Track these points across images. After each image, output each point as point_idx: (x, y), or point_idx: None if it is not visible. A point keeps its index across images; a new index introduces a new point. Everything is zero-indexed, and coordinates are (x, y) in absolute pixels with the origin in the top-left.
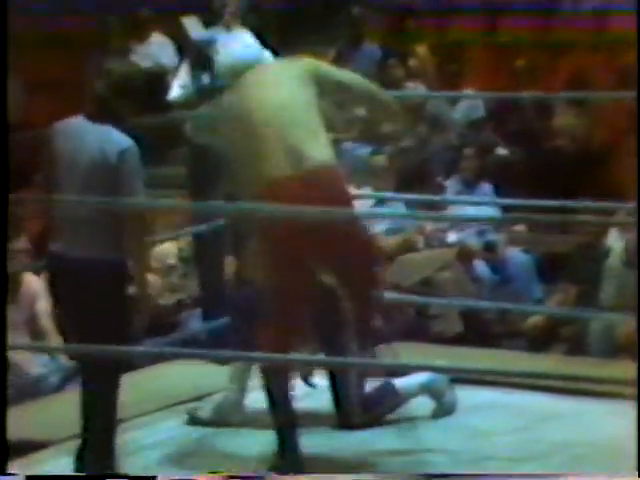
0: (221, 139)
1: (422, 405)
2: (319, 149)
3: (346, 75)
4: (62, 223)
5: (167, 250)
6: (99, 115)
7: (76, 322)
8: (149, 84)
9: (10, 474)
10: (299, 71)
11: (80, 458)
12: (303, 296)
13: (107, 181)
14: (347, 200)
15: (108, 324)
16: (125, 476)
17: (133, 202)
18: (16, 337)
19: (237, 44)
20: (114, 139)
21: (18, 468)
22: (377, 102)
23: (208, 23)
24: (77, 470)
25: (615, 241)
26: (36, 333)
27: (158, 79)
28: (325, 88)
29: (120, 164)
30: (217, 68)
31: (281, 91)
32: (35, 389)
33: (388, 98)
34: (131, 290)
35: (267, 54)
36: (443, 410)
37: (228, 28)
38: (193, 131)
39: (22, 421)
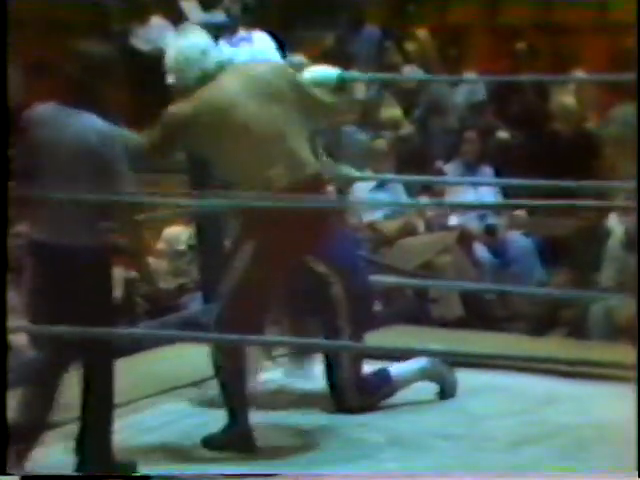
0: (210, 141)
1: (423, 390)
2: (309, 158)
3: (314, 90)
4: (45, 211)
5: (178, 235)
6: (74, 100)
7: (61, 309)
8: (148, 66)
9: (7, 474)
10: (283, 80)
11: (79, 442)
12: (280, 281)
13: (91, 167)
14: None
15: (94, 311)
16: (125, 476)
17: (127, 198)
18: (17, 320)
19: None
20: (95, 125)
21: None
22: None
23: (207, 6)
24: (77, 454)
25: (615, 224)
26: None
27: (158, 62)
28: (297, 99)
29: (103, 149)
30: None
31: (273, 100)
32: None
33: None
34: (131, 273)
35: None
36: (446, 393)
37: (228, 13)
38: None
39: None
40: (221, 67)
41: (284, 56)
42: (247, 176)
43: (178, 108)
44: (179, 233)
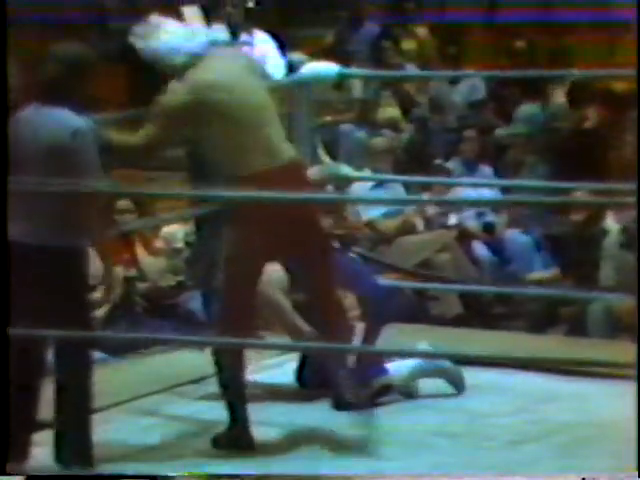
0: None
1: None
2: (287, 144)
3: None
4: (18, 212)
5: (175, 233)
6: (51, 99)
7: (34, 310)
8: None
9: (9, 474)
10: (256, 68)
11: (58, 446)
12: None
13: (63, 162)
14: (311, 190)
15: (69, 310)
16: (126, 475)
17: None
18: None
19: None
20: (67, 120)
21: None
22: None
23: (208, 13)
24: (57, 459)
25: (612, 223)
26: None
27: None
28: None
29: (74, 144)
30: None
31: (254, 86)
32: None
33: None
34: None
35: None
36: (455, 386)
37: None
38: None
39: None
40: (202, 53)
41: (284, 55)
42: (234, 159)
43: (170, 96)
44: (176, 231)
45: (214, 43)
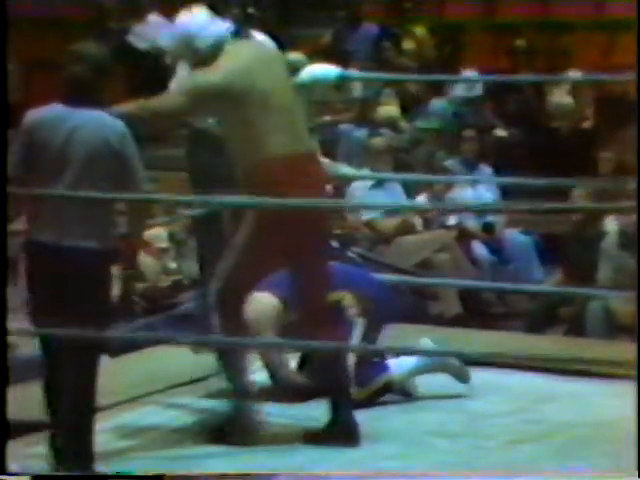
0: (224, 112)
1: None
2: (308, 134)
3: None
4: (49, 212)
5: (158, 234)
6: (78, 100)
7: (58, 310)
8: (146, 63)
9: (14, 474)
10: (280, 56)
11: (54, 446)
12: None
13: (110, 166)
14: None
15: (92, 313)
16: (129, 475)
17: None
18: (16, 319)
19: None
20: (111, 124)
21: (16, 448)
22: None
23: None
24: (55, 458)
25: (610, 224)
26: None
27: (154, 60)
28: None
29: (122, 148)
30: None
31: (280, 73)
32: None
33: None
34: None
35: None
36: (460, 379)
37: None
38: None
39: (21, 402)
40: (228, 39)
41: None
42: (259, 143)
43: (207, 77)
44: (159, 232)
45: (234, 33)
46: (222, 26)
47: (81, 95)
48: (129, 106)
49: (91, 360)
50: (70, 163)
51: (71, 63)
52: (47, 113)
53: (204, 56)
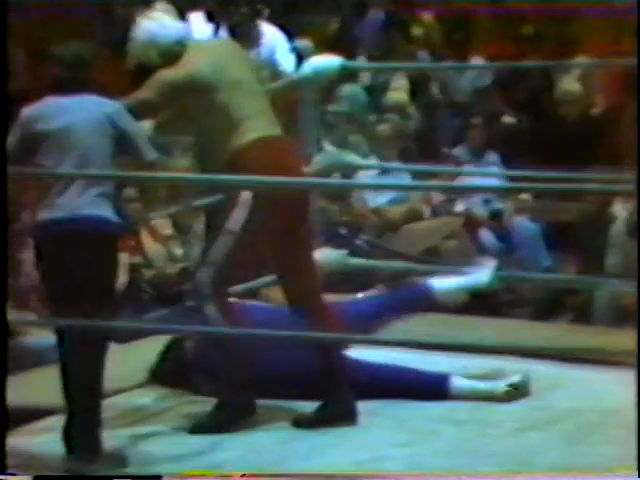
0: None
1: None
2: (276, 121)
3: None
4: (60, 189)
5: (161, 221)
6: (70, 91)
7: (73, 288)
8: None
9: (11, 474)
10: (239, 48)
11: (67, 434)
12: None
13: (114, 141)
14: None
15: (102, 292)
16: (131, 476)
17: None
18: (23, 307)
19: None
20: (108, 102)
21: (23, 436)
22: None
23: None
24: (65, 446)
25: (619, 210)
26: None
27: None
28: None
29: (124, 122)
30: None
31: (242, 64)
32: (42, 357)
33: None
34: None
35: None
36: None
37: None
38: None
39: (27, 388)
40: (189, 38)
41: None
42: (231, 131)
43: (172, 73)
44: (164, 219)
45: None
46: (181, 26)
47: (71, 88)
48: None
49: (99, 345)
50: (75, 143)
51: (49, 59)
52: (43, 105)
53: (167, 56)
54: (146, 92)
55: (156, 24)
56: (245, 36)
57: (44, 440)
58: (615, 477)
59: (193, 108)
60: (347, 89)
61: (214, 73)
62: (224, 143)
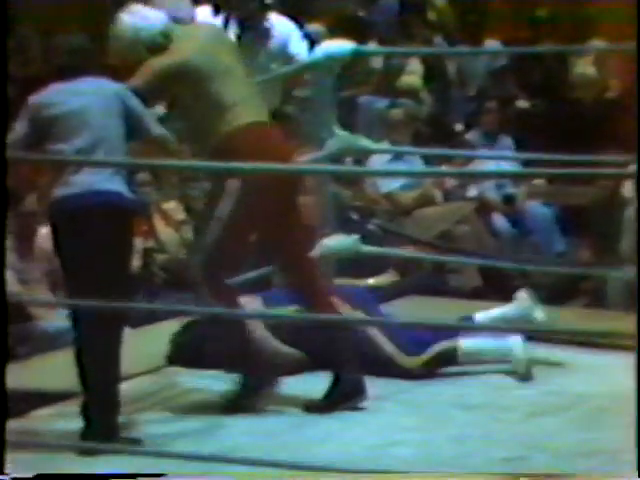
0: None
1: None
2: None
3: None
4: (75, 168)
5: (174, 207)
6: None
7: (86, 267)
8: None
9: (7, 474)
10: (223, 32)
11: (86, 414)
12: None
13: (123, 120)
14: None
15: (118, 268)
16: (134, 475)
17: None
18: (36, 292)
19: None
20: (113, 83)
21: (40, 418)
22: None
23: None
24: (84, 426)
25: (632, 194)
26: (57, 286)
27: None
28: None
29: (130, 101)
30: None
31: (229, 49)
32: (57, 341)
33: None
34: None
35: None
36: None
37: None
38: None
39: (42, 372)
40: (174, 26)
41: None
42: (231, 115)
43: (162, 60)
44: (175, 205)
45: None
46: (163, 15)
47: (74, 74)
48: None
49: (117, 325)
50: (88, 123)
51: (57, 54)
52: (50, 91)
53: (154, 49)
54: (137, 81)
55: (138, 17)
56: (255, 29)
57: (60, 422)
58: (615, 477)
59: (183, 95)
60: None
61: (204, 59)
62: (214, 128)
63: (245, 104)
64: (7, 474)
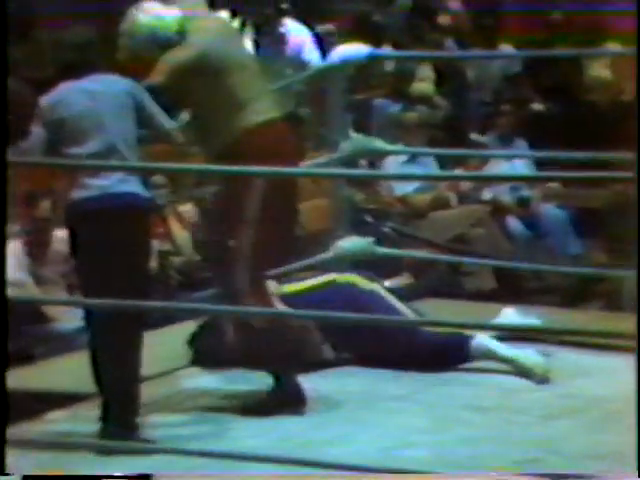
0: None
1: None
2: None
3: None
4: (88, 172)
5: (187, 208)
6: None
7: (104, 269)
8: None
9: (6, 474)
10: (234, 28)
11: (104, 415)
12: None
13: (135, 116)
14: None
15: (136, 268)
16: (124, 476)
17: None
18: (53, 293)
19: None
20: (126, 81)
21: (59, 420)
22: None
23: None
24: (103, 429)
25: None
26: (72, 288)
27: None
28: None
29: (142, 97)
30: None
31: (241, 44)
32: (74, 343)
33: None
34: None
35: None
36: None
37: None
38: None
39: (59, 374)
40: (187, 19)
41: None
42: (246, 112)
43: (179, 54)
44: (187, 206)
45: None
46: (177, 12)
47: (83, 71)
48: None
49: (136, 328)
50: (102, 122)
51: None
52: (60, 91)
53: (169, 48)
54: (156, 78)
55: (154, 18)
56: (271, 35)
57: (76, 423)
58: (615, 477)
59: (200, 89)
60: None
61: (218, 51)
62: (230, 125)
63: (260, 100)
64: (10, 474)
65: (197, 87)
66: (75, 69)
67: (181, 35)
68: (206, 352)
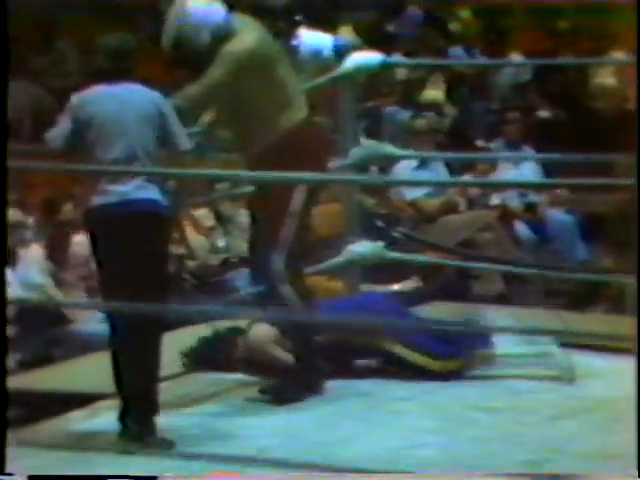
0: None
1: None
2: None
3: None
4: (108, 178)
5: (203, 213)
6: (116, 80)
7: (125, 273)
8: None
9: (9, 474)
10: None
11: (123, 419)
12: None
13: (157, 127)
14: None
15: (156, 273)
16: (127, 476)
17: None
18: (73, 296)
19: None
20: (151, 90)
21: (79, 419)
22: None
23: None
24: (122, 426)
25: None
26: (92, 291)
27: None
28: None
29: (167, 109)
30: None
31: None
32: (92, 344)
33: None
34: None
35: None
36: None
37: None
38: None
39: (79, 374)
40: (233, 18)
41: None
42: (292, 106)
43: (237, 45)
44: (205, 212)
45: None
46: (220, 8)
47: (115, 77)
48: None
49: (155, 330)
50: (125, 129)
51: (99, 53)
52: (91, 92)
53: (218, 36)
54: (217, 70)
55: (203, 6)
56: (284, 46)
57: (96, 422)
58: (615, 477)
59: (253, 84)
60: None
61: (267, 47)
62: (276, 122)
63: (300, 97)
64: (11, 474)
65: (254, 77)
66: (108, 75)
67: (229, 26)
68: (212, 359)
